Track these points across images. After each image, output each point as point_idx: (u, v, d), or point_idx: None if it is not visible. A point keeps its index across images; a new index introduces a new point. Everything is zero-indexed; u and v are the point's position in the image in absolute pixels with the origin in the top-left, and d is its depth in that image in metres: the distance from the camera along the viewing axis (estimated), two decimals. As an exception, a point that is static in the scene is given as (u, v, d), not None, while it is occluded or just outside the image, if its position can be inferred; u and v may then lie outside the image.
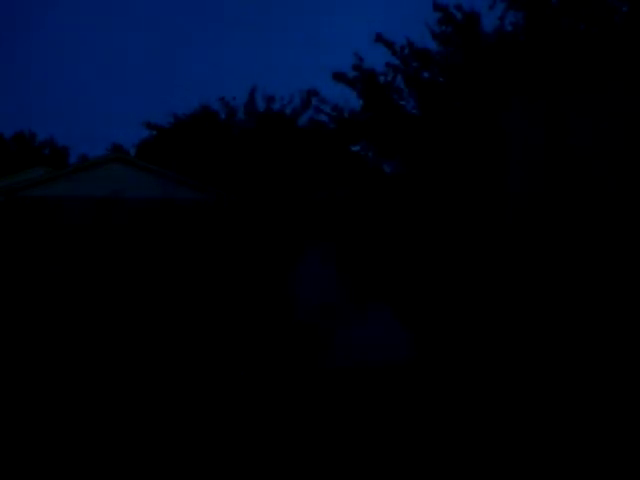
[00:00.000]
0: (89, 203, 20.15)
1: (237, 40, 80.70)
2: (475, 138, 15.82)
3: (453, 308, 11.73)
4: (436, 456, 6.18)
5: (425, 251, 14.55)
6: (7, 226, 18.84)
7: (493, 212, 13.26)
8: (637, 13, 14.94)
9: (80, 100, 75.98)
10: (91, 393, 8.18)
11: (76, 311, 12.98)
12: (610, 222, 10.25)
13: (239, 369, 9.11)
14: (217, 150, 28.29)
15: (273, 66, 60.00)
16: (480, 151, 15.38)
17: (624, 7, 15.58)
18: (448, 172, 16.13)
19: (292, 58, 63.89)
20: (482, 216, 14.15)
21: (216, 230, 18.22)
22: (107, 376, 8.92)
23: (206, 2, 79.38)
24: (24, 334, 11.28)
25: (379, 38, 18.67)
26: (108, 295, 14.13)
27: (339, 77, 19.55)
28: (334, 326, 9.88)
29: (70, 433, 6.82)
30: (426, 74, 18.81)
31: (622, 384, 7.98)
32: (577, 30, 15.77)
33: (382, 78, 19.19)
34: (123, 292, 14.39)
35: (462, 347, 9.77)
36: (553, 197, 10.95)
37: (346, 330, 9.63)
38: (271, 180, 22.64)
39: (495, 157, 13.33)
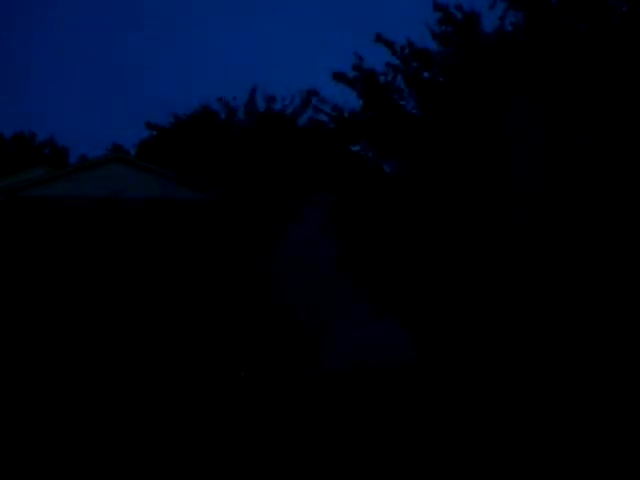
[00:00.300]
0: (89, 203, 20.12)
1: (237, 40, 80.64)
2: (475, 138, 15.80)
3: (454, 308, 11.73)
4: (438, 462, 6.17)
5: (425, 251, 14.54)
6: (7, 226, 18.83)
7: (493, 212, 13.25)
8: (637, 13, 14.92)
9: (80, 100, 75.94)
10: (92, 392, 8.17)
11: (77, 311, 12.98)
12: (611, 222, 10.25)
13: (239, 369, 9.10)
14: (217, 150, 28.27)
15: (273, 66, 59.95)
16: (480, 151, 15.37)
17: (624, 7, 15.56)
18: (448, 172, 16.12)
19: (292, 58, 63.86)
20: (482, 216, 14.14)
21: (216, 230, 18.21)
22: (108, 375, 8.91)
23: (206, 2, 79.36)
24: (24, 334, 11.28)
25: (379, 38, 18.62)
26: (109, 295, 14.12)
27: (339, 77, 19.48)
28: (335, 326, 9.86)
29: (70, 432, 6.81)
30: (426, 74, 18.77)
31: (627, 385, 7.98)
32: (577, 30, 15.75)
33: (382, 78, 19.13)
34: (124, 292, 14.38)
35: (464, 348, 9.76)
36: (553, 197, 10.95)
37: (346, 330, 9.62)
38: (271, 180, 22.61)
39: (495, 157, 13.32)
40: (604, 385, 7.97)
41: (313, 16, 77.81)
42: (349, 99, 24.46)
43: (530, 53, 15.30)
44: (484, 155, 15.03)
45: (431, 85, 18.45)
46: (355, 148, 22.04)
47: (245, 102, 30.25)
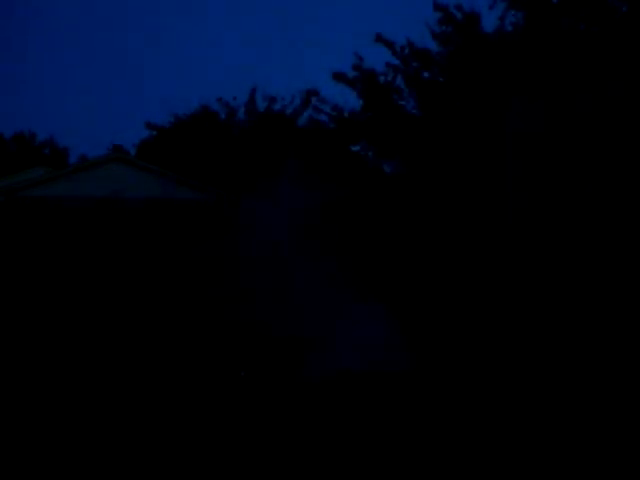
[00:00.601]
0: (89, 203, 20.13)
1: (237, 40, 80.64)
2: (475, 138, 15.80)
3: (453, 310, 11.72)
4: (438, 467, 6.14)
5: (426, 250, 14.54)
6: (7, 226, 18.85)
7: (493, 212, 13.25)
8: (637, 13, 14.92)
9: (80, 100, 75.89)
10: (91, 390, 8.17)
11: (77, 311, 12.98)
12: (611, 223, 10.25)
13: (239, 369, 9.10)
14: (217, 150, 28.26)
15: (273, 66, 59.90)
16: (480, 151, 15.37)
17: (624, 7, 15.56)
18: (448, 172, 16.12)
19: (292, 58, 63.80)
20: (482, 216, 14.14)
21: (216, 229, 18.22)
22: (108, 371, 8.91)
23: (206, 2, 79.35)
24: (23, 334, 11.29)
25: (379, 38, 18.65)
26: (109, 295, 14.12)
27: (339, 77, 19.52)
28: (332, 327, 9.83)
29: (68, 432, 6.80)
30: (426, 74, 18.79)
31: (626, 386, 7.97)
32: (577, 30, 15.75)
33: (382, 78, 19.16)
34: (124, 290, 14.38)
35: (463, 351, 9.74)
36: (553, 198, 10.94)
37: (343, 331, 9.57)
38: (271, 180, 22.58)
39: (495, 157, 13.31)
40: (605, 383, 7.98)
41: (313, 16, 77.78)
42: (349, 99, 24.40)
43: (530, 53, 15.31)
44: (484, 155, 15.04)
45: (431, 85, 18.47)
46: (355, 148, 22.08)
47: (245, 102, 30.31)
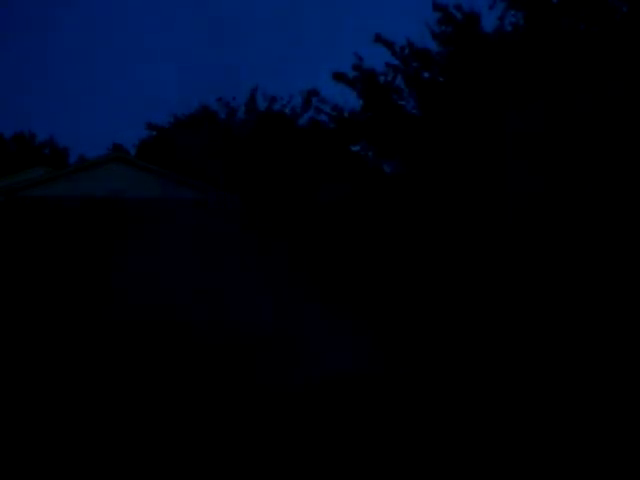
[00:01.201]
0: (89, 203, 20.12)
1: (237, 40, 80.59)
2: (475, 138, 15.81)
3: (453, 308, 11.71)
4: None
5: (425, 250, 14.53)
6: (7, 226, 18.83)
7: (493, 212, 13.26)
8: (637, 13, 14.93)
9: (80, 100, 75.84)
10: (86, 391, 8.19)
11: (77, 311, 12.99)
12: (611, 222, 10.26)
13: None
14: (217, 150, 28.25)
15: (273, 66, 59.90)
16: (480, 151, 15.38)
17: (624, 7, 15.57)
18: (448, 172, 16.13)
19: (292, 58, 63.79)
20: (482, 216, 14.14)
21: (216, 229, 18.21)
22: (104, 374, 8.93)
23: (205, 2, 79.31)
24: (23, 335, 11.30)
25: (379, 38, 18.68)
26: (109, 294, 14.12)
27: (339, 77, 19.55)
28: (324, 327, 9.77)
29: (67, 432, 6.82)
30: (426, 74, 18.82)
31: (623, 385, 7.96)
32: (577, 30, 15.76)
33: (382, 78, 19.19)
34: (123, 291, 14.38)
35: (461, 350, 9.72)
36: (553, 197, 10.95)
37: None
38: (271, 180, 22.61)
39: (495, 157, 13.32)
40: (603, 384, 7.98)
41: (313, 16, 77.80)
42: (349, 99, 24.42)
43: (530, 53, 15.32)
44: (484, 155, 15.05)
45: (431, 85, 18.48)
46: (355, 148, 22.10)
47: (245, 102, 30.30)
